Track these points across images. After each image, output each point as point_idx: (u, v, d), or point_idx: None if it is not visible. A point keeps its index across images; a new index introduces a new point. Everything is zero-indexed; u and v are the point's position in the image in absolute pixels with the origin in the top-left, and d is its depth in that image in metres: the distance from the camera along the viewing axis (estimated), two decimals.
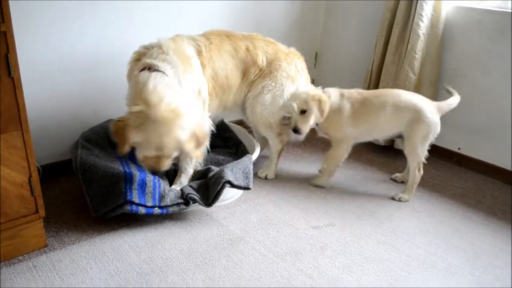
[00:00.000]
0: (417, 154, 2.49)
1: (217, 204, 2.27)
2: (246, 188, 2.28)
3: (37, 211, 1.94)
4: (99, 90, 2.62)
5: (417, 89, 2.92)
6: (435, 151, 3.09)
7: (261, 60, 2.52)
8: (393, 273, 1.98)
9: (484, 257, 2.12)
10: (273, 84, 2.55)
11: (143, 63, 2.14)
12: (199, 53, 2.31)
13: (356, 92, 2.56)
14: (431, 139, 2.49)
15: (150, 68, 2.11)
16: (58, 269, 1.92)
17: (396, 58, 3.00)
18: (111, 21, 2.56)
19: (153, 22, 2.72)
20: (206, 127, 2.31)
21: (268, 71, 2.55)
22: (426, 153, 2.53)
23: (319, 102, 2.44)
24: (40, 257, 1.98)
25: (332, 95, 2.52)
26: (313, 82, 3.30)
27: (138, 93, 2.03)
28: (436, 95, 2.98)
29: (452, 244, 2.21)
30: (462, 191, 2.71)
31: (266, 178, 2.74)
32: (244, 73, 2.51)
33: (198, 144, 2.12)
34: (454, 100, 2.55)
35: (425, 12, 2.81)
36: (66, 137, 2.58)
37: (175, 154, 2.12)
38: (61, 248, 2.04)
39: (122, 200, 2.09)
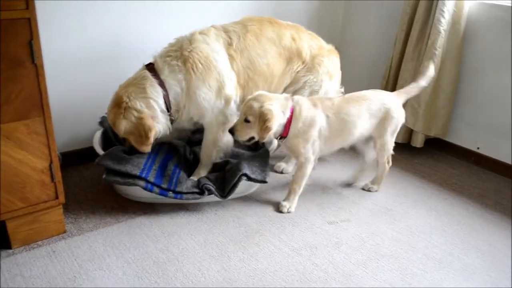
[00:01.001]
0: (388, 149, 2.47)
1: (233, 196, 2.28)
2: (263, 181, 2.28)
3: (57, 197, 1.97)
4: (119, 80, 2.62)
5: (436, 87, 2.89)
6: (453, 149, 3.08)
7: (306, 52, 2.48)
8: (409, 271, 1.96)
9: (501, 258, 2.09)
10: (314, 80, 2.52)
11: (153, 58, 2.24)
12: (229, 45, 2.29)
13: (328, 100, 2.32)
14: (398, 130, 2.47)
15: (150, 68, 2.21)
16: (76, 255, 1.94)
17: (416, 55, 2.97)
18: (133, 11, 2.57)
19: (174, 14, 2.72)
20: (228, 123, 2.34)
21: (311, 65, 2.51)
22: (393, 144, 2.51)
23: (264, 121, 2.12)
24: (58, 243, 2.01)
25: (303, 107, 2.23)
26: None
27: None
28: (455, 92, 2.94)
29: (469, 244, 2.18)
30: (480, 191, 2.68)
31: (282, 172, 2.73)
32: (288, 62, 2.46)
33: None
34: (422, 82, 2.48)
35: (447, 8, 2.77)
36: (86, 125, 2.61)
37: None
38: (79, 235, 2.07)
39: (137, 173, 2.12)
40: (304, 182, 2.35)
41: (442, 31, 2.79)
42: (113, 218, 2.21)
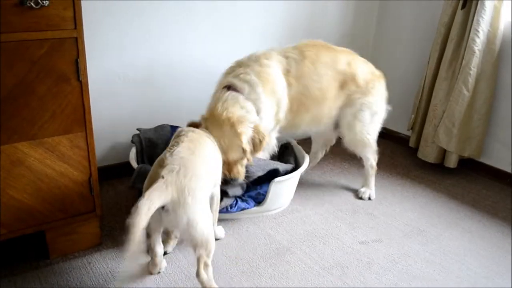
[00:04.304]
0: None
1: (264, 213, 2.31)
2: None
3: (94, 210, 2.03)
4: (155, 97, 2.72)
5: (470, 107, 2.86)
6: (486, 170, 3.03)
7: (360, 77, 2.51)
8: None
9: None
10: (371, 102, 2.54)
11: (226, 80, 2.25)
12: (287, 72, 2.33)
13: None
14: None
15: (230, 87, 2.21)
16: (111, 267, 1.99)
17: (450, 74, 2.95)
18: (169, 32, 2.66)
19: (208, 37, 2.79)
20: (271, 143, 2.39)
21: (365, 88, 2.53)
22: None
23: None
24: (94, 255, 2.06)
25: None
26: None
27: (210, 107, 2.20)
28: (490, 112, 2.90)
29: (504, 267, 2.13)
30: None
31: (369, 198, 2.71)
32: (342, 85, 2.48)
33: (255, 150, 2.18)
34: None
35: (482, 28, 2.75)
36: (122, 141, 2.68)
37: (236, 159, 2.14)
38: (114, 247, 2.12)
39: None
40: None
41: (477, 51, 2.77)
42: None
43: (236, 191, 2.29)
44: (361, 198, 2.70)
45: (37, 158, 1.80)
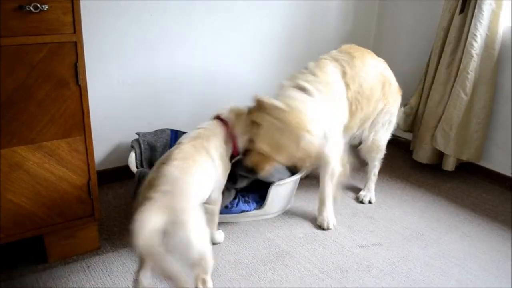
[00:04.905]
0: None
1: (264, 217, 2.31)
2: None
3: (93, 214, 2.03)
4: (154, 101, 2.72)
5: (468, 110, 2.86)
6: (486, 174, 3.02)
7: (393, 84, 2.54)
8: None
9: None
10: (393, 111, 2.58)
11: (297, 83, 2.19)
12: (344, 74, 2.32)
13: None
14: None
15: (299, 88, 2.17)
16: (110, 271, 1.99)
17: (447, 77, 2.95)
18: (170, 35, 2.67)
19: (207, 41, 2.80)
20: (339, 148, 2.36)
21: (396, 96, 2.57)
22: None
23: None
24: (93, 258, 2.06)
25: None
26: None
27: (283, 97, 2.10)
28: (489, 116, 2.91)
29: (504, 271, 2.13)
30: None
31: (369, 202, 2.70)
32: (382, 86, 2.49)
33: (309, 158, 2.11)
34: None
35: (479, 32, 2.75)
36: (120, 145, 2.69)
37: (283, 161, 2.08)
38: (112, 251, 2.12)
39: None
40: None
41: (475, 55, 2.78)
42: None
43: (241, 183, 2.30)
44: (361, 202, 2.69)
45: (35, 162, 1.80)
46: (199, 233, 1.62)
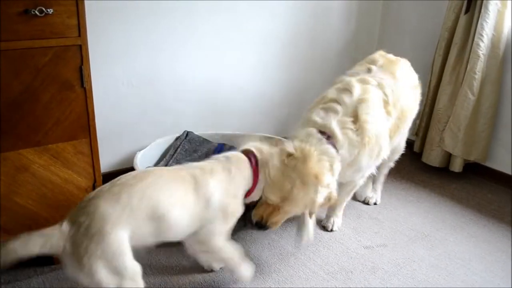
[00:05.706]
0: None
1: None
2: None
3: None
4: (159, 103, 2.72)
5: (475, 111, 2.85)
6: (492, 175, 3.01)
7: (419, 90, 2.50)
8: None
9: None
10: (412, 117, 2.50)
11: (324, 125, 1.98)
12: (386, 103, 2.14)
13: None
14: None
15: (327, 136, 1.95)
16: None
17: (454, 78, 2.94)
18: (175, 37, 2.67)
19: (209, 41, 2.80)
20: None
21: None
22: None
23: None
24: None
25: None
26: None
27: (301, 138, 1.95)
28: (495, 116, 2.89)
29: (509, 272, 2.12)
30: None
31: (375, 203, 2.70)
32: (415, 99, 2.43)
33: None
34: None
35: (486, 32, 2.74)
36: (126, 147, 2.69)
37: (292, 213, 1.92)
38: None
39: None
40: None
41: (482, 55, 2.77)
42: None
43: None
44: (367, 203, 2.69)
45: (41, 164, 1.82)
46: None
